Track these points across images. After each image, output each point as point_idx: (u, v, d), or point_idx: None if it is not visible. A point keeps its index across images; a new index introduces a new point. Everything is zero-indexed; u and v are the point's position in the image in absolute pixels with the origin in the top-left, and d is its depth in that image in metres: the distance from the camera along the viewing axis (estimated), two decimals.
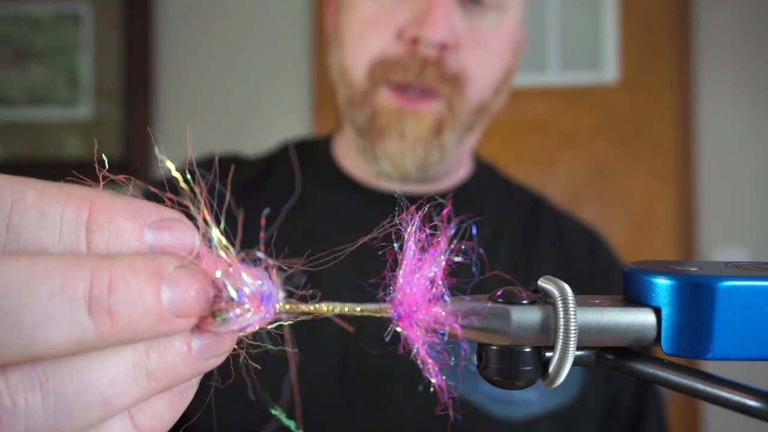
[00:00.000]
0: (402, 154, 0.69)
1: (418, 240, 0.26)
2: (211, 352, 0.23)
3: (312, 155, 0.82)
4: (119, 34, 1.83)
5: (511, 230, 0.78)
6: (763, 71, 1.73)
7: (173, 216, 0.23)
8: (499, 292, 0.26)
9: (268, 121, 1.81)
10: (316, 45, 1.80)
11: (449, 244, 0.26)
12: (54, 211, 0.21)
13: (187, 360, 0.22)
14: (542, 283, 0.27)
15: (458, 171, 0.80)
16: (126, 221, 0.22)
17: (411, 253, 0.26)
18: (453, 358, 0.26)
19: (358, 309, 0.25)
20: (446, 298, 0.25)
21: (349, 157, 0.79)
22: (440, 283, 0.26)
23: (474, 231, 0.28)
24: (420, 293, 0.25)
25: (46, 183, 0.22)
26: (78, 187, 0.22)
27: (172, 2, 1.84)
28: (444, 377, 0.26)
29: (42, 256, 0.20)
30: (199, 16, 1.85)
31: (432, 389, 0.26)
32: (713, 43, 1.74)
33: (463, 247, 0.27)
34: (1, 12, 1.86)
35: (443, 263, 0.26)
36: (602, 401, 0.73)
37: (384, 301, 0.26)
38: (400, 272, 0.26)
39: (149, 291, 0.21)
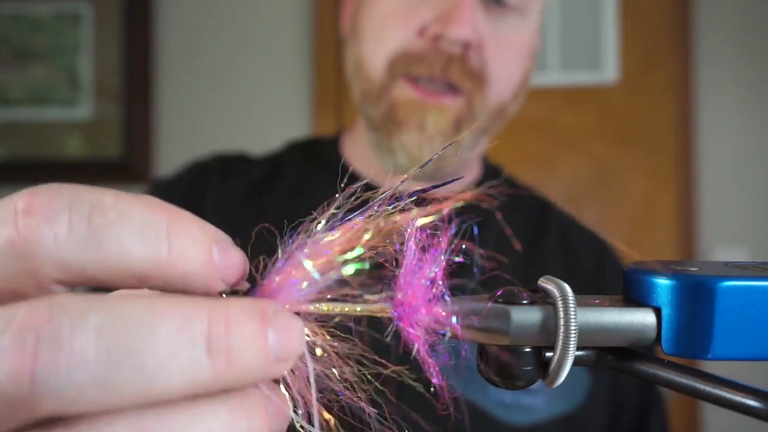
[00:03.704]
0: (420, 146, 0.69)
1: (419, 240, 0.26)
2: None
3: (320, 154, 0.82)
4: (120, 34, 1.83)
5: (518, 234, 0.78)
6: (763, 71, 1.73)
7: (230, 241, 0.23)
8: (499, 292, 0.26)
9: (268, 122, 1.81)
10: (316, 45, 1.80)
11: (450, 244, 0.26)
12: (134, 214, 0.21)
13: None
14: (542, 282, 0.27)
15: (468, 172, 0.80)
16: (199, 232, 0.22)
17: (411, 252, 0.26)
18: (454, 359, 0.26)
19: (358, 309, 0.25)
20: (446, 298, 0.25)
21: (360, 156, 0.78)
22: (440, 283, 0.26)
23: (476, 231, 0.28)
24: (420, 293, 0.25)
25: (118, 191, 0.22)
26: (149, 196, 0.22)
27: (172, 2, 1.85)
28: (446, 377, 0.26)
29: (160, 295, 0.20)
30: (199, 17, 1.85)
31: (433, 389, 0.26)
32: (713, 43, 1.74)
33: (463, 246, 0.27)
34: (1, 12, 1.86)
35: (444, 263, 0.26)
36: (608, 406, 0.73)
37: (384, 301, 0.26)
38: (401, 272, 0.26)
39: (260, 334, 0.21)
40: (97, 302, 0.19)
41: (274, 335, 0.21)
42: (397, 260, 0.26)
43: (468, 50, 0.68)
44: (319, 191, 0.75)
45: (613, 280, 0.78)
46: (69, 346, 0.18)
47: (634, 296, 0.28)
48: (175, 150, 1.82)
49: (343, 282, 0.25)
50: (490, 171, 0.84)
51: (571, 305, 0.25)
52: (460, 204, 0.27)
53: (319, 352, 0.25)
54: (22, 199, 0.21)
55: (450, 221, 0.26)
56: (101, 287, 0.22)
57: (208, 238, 0.22)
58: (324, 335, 0.25)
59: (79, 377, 0.18)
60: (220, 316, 0.20)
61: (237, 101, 1.82)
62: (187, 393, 0.20)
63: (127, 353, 0.18)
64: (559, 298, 0.26)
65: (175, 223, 0.22)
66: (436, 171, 0.72)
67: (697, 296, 0.26)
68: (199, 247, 0.22)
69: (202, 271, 0.22)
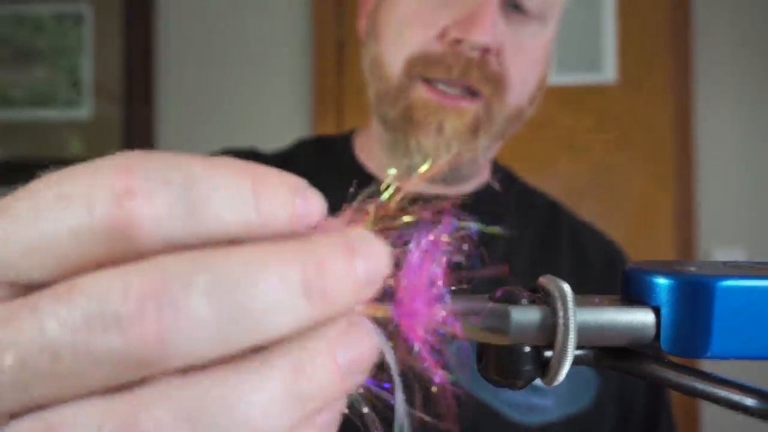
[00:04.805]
0: (437, 148, 0.69)
1: (420, 239, 0.26)
2: (358, 366, 0.22)
3: (331, 153, 0.82)
4: (120, 34, 1.83)
5: (529, 236, 0.78)
6: (762, 72, 1.73)
7: (307, 185, 0.24)
8: (498, 292, 0.27)
9: (268, 122, 1.81)
10: (316, 46, 1.80)
11: (451, 244, 0.26)
12: (223, 182, 0.21)
13: (336, 378, 0.22)
14: (542, 282, 0.27)
15: (480, 175, 0.80)
16: (282, 188, 0.22)
17: (412, 252, 0.26)
18: (461, 358, 0.26)
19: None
20: (446, 297, 0.26)
21: (374, 156, 0.78)
22: (440, 283, 0.26)
23: (474, 231, 0.28)
24: (421, 293, 0.25)
25: (201, 157, 0.22)
26: (231, 159, 0.23)
27: (172, 3, 1.85)
28: (454, 376, 0.26)
29: (252, 246, 0.21)
30: (199, 17, 1.85)
31: (434, 389, 0.26)
32: (713, 43, 1.74)
33: (464, 247, 0.27)
34: (2, 12, 1.86)
35: (444, 263, 0.26)
36: (618, 406, 0.73)
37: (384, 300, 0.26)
38: (401, 272, 0.26)
39: (350, 267, 0.22)
40: (200, 263, 0.20)
41: (363, 263, 0.22)
42: (397, 260, 0.26)
43: (487, 55, 0.68)
44: (329, 189, 0.75)
45: None
46: (186, 309, 0.19)
47: (634, 296, 0.28)
48: (175, 150, 1.82)
49: None
50: (500, 173, 0.84)
51: (570, 304, 0.25)
52: (468, 207, 0.27)
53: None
54: (116, 177, 0.21)
55: (452, 222, 0.26)
56: None
57: (290, 191, 0.22)
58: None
59: (199, 335, 0.20)
60: (311, 260, 0.21)
61: (237, 101, 1.82)
62: (291, 333, 0.21)
63: (235, 309, 0.20)
64: (558, 298, 0.26)
65: (259, 184, 0.22)
66: (454, 172, 0.72)
67: (696, 296, 0.26)
68: (284, 204, 0.22)
69: (288, 226, 0.22)
